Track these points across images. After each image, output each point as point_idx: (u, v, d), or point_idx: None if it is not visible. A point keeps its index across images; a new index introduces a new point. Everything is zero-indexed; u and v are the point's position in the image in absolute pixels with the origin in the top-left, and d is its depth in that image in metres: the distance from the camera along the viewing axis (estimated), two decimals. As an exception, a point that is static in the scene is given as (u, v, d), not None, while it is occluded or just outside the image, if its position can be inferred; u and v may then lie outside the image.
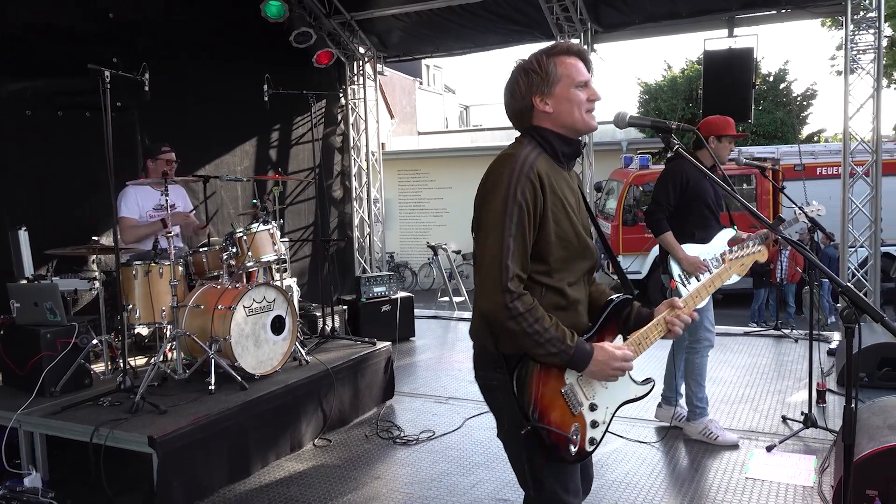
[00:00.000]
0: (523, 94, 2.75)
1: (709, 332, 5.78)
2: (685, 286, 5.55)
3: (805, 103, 29.00)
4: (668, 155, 6.07)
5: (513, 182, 2.56)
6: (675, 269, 5.59)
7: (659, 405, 6.26)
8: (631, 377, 2.87)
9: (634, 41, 12.08)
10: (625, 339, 2.80)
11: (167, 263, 5.95)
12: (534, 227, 2.59)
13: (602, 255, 13.69)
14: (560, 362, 2.60)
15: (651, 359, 7.14)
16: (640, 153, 21.63)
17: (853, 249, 9.43)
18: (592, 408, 2.72)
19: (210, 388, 5.52)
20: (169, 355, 6.13)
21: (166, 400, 5.30)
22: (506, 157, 2.64)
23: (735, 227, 5.81)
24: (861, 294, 4.08)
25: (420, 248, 23.92)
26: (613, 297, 2.86)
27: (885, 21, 11.27)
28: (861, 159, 9.28)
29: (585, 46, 9.15)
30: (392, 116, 30.65)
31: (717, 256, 5.61)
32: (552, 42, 2.85)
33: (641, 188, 17.06)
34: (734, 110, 8.83)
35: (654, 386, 2.96)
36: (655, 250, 12.14)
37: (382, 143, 13.54)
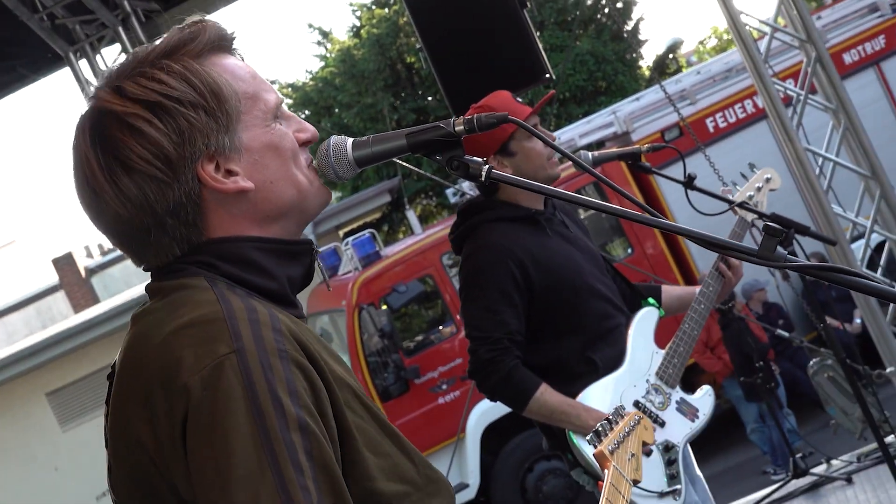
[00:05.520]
0: (169, 168, 1.20)
1: None
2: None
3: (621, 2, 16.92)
4: (452, 232, 3.09)
5: (256, 378, 1.11)
6: (588, 452, 2.63)
7: None
8: None
9: (235, 6, 6.97)
10: None
11: None
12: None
13: None
14: None
15: None
16: (345, 235, 12.10)
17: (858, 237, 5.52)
18: None
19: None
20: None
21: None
22: (196, 328, 1.15)
23: (651, 299, 3.04)
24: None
25: None
26: None
27: None
28: (788, 64, 5.82)
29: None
30: None
31: (652, 377, 2.88)
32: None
33: (386, 304, 8.47)
34: (507, 70, 4.37)
35: None
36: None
37: None
